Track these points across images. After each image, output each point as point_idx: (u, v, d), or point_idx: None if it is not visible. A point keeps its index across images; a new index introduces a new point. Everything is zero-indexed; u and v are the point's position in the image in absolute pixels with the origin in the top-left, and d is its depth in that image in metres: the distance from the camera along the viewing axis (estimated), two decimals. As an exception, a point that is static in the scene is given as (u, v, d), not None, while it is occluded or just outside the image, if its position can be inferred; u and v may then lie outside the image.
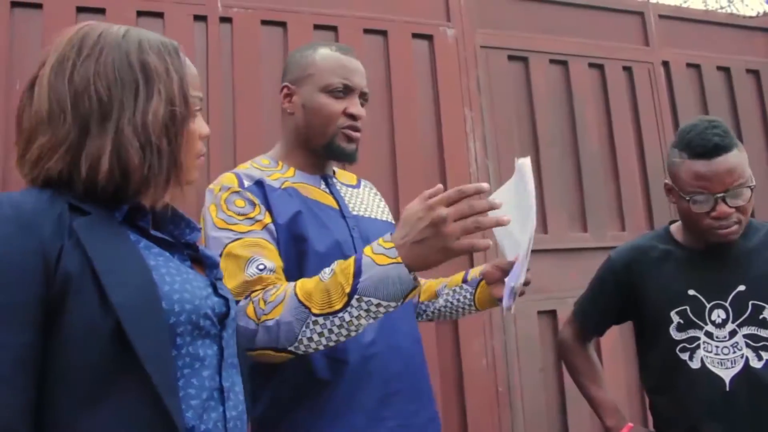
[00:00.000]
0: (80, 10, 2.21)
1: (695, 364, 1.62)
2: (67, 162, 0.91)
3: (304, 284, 1.25)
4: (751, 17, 3.76)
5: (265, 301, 1.27)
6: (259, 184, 1.46)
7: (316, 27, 2.57)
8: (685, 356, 1.63)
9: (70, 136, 0.91)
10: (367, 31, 2.65)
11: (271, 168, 1.55)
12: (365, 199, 1.64)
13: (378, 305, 1.19)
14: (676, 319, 1.65)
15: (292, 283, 1.28)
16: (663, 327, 1.65)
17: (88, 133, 0.92)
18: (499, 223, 1.15)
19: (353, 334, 1.24)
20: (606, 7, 3.21)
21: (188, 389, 0.92)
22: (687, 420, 1.62)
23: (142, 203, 0.98)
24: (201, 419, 0.92)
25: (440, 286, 1.73)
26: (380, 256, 1.18)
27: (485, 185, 1.16)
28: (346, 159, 1.56)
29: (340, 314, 1.20)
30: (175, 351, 0.91)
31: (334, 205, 1.54)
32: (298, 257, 1.42)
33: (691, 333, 1.63)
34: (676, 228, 1.76)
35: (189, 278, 0.97)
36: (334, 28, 2.60)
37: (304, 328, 1.22)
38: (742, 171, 1.53)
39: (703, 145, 1.52)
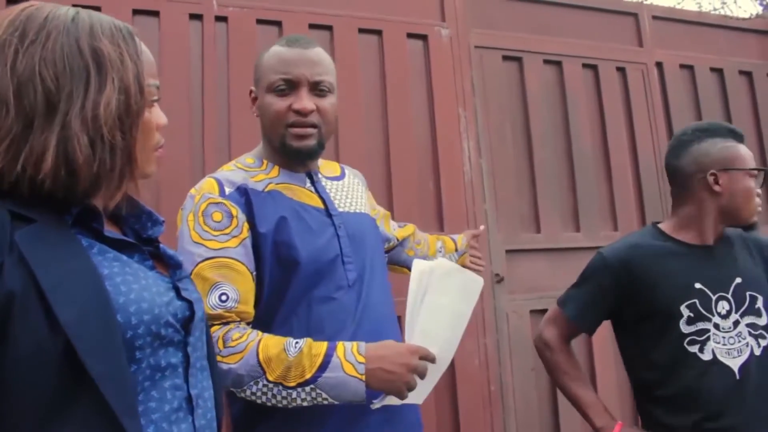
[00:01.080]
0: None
1: (707, 356, 1.66)
2: (8, 159, 0.81)
3: (267, 347, 1.29)
4: (744, 19, 3.78)
5: (224, 343, 1.31)
6: (241, 190, 1.44)
7: (311, 26, 2.57)
8: (694, 349, 1.67)
9: (13, 130, 0.81)
10: (362, 30, 2.65)
11: (255, 168, 1.52)
12: (350, 192, 1.61)
13: (325, 399, 1.29)
14: (686, 312, 1.68)
15: (255, 337, 1.31)
16: (672, 322, 1.69)
17: (32, 128, 0.82)
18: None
19: (289, 405, 1.30)
20: (600, 8, 3.23)
21: (149, 403, 0.86)
22: (699, 412, 1.65)
23: (93, 204, 0.89)
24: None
25: (438, 244, 1.89)
26: (349, 364, 1.27)
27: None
28: (301, 157, 1.51)
29: (290, 390, 1.28)
30: (134, 366, 0.84)
31: (320, 204, 1.51)
32: (284, 265, 1.41)
33: (701, 326, 1.67)
34: (666, 226, 1.81)
35: (148, 284, 0.89)
36: (329, 28, 2.60)
37: (252, 384, 1.29)
38: None
39: (739, 132, 1.79)
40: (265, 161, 1.55)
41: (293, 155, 1.50)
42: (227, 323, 1.34)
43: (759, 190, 1.74)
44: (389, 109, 2.63)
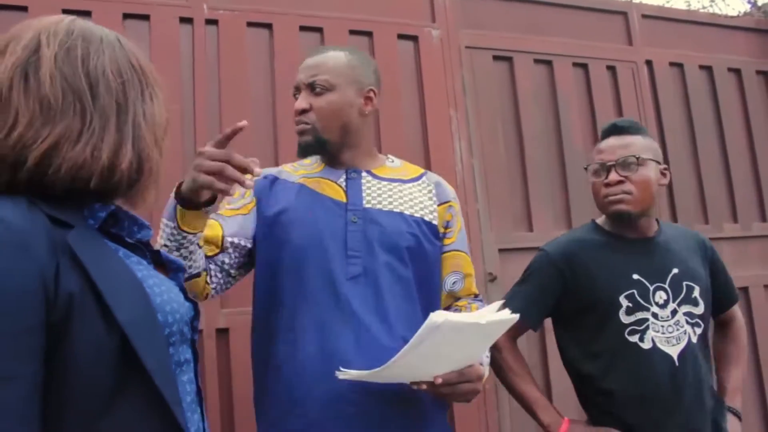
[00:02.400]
0: (65, 12, 2.21)
1: (646, 345, 1.74)
2: (89, 152, 0.88)
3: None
4: (732, 17, 3.81)
5: None
6: (270, 179, 1.65)
7: (302, 28, 2.58)
8: (635, 338, 1.74)
9: (93, 126, 0.89)
10: (352, 32, 2.66)
11: (306, 165, 1.70)
12: (401, 194, 1.65)
13: (165, 224, 1.40)
14: (624, 303, 1.76)
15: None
16: (611, 312, 1.76)
17: (107, 124, 0.90)
18: (239, 180, 1.27)
19: (172, 246, 1.41)
20: (589, 7, 3.24)
21: None
22: (642, 399, 1.72)
23: (117, 209, 0.96)
24: (191, 421, 0.95)
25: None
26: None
27: (242, 123, 1.36)
28: (300, 153, 1.63)
29: (159, 239, 1.43)
30: None
31: (342, 198, 1.59)
32: (277, 245, 1.55)
33: (639, 315, 1.75)
34: (603, 221, 1.90)
35: (171, 286, 0.97)
36: (319, 30, 2.61)
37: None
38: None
39: (615, 125, 1.88)
40: (318, 160, 1.70)
41: (298, 151, 1.63)
42: None
43: (611, 180, 1.77)
44: (380, 110, 2.63)
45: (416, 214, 1.63)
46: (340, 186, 1.62)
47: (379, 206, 1.60)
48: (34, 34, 0.91)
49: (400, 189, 1.65)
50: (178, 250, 1.40)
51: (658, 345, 1.73)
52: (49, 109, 0.87)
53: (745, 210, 3.35)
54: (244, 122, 1.35)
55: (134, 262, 0.95)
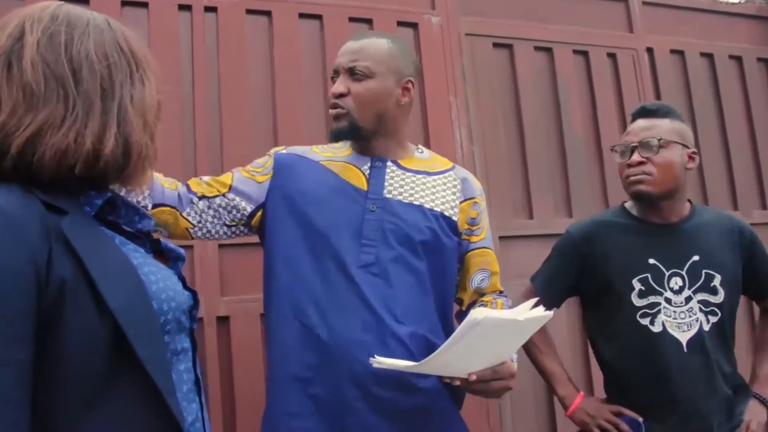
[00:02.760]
0: None
1: (656, 328, 1.78)
2: (72, 138, 0.87)
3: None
4: (733, 4, 3.78)
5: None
6: (293, 156, 1.67)
7: (302, 16, 2.56)
8: (646, 321, 1.79)
9: (76, 112, 0.88)
10: (352, 19, 2.65)
11: (335, 148, 1.70)
12: (424, 187, 1.65)
13: None
14: (637, 286, 1.80)
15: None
16: (625, 294, 1.80)
17: (91, 109, 0.89)
18: None
19: None
20: (590, -6, 3.23)
21: None
22: (653, 382, 1.77)
23: (114, 196, 0.96)
24: (187, 411, 0.94)
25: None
26: None
27: None
28: (332, 138, 1.64)
29: None
30: None
31: (363, 186, 1.60)
32: (295, 222, 1.57)
33: (652, 299, 1.79)
34: (630, 205, 1.93)
35: (167, 274, 0.97)
36: (319, 17, 2.60)
37: None
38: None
39: (641, 108, 1.92)
40: (348, 145, 1.69)
41: (330, 135, 1.64)
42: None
43: (632, 160, 1.81)
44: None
45: (436, 208, 1.63)
46: (364, 173, 1.62)
47: (399, 197, 1.60)
48: (18, 21, 0.91)
49: (424, 181, 1.66)
50: None
51: (668, 329, 1.77)
52: (32, 96, 0.87)
53: (745, 198, 3.34)
54: None
55: (131, 249, 0.94)
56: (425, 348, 1.47)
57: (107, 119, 0.90)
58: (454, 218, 1.65)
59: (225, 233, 1.64)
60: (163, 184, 1.55)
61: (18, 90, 0.87)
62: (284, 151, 1.68)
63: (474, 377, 1.35)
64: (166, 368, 0.87)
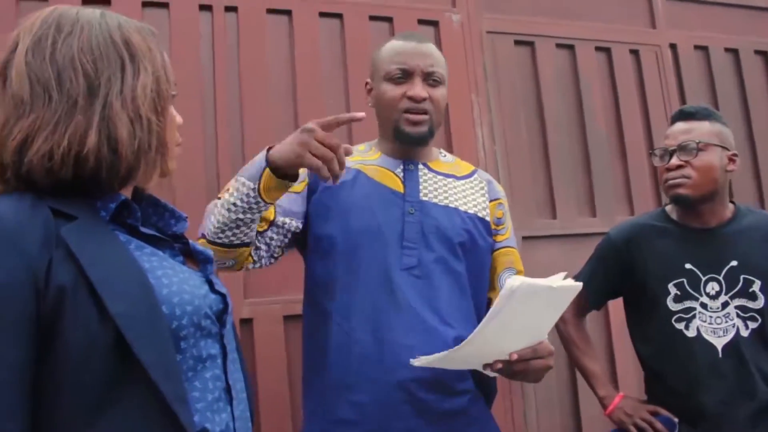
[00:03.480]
0: (85, 1, 2.20)
1: (691, 333, 1.77)
2: (55, 141, 0.85)
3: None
4: (758, -2, 3.72)
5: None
6: None
7: (322, 15, 2.55)
8: (680, 326, 1.78)
9: (58, 114, 0.86)
10: (372, 18, 2.63)
11: (361, 152, 1.68)
12: (456, 190, 1.66)
13: (243, 183, 1.37)
14: (673, 290, 1.80)
15: None
16: (661, 298, 1.80)
17: (74, 109, 0.87)
18: (337, 175, 1.30)
19: (231, 216, 1.39)
20: (612, -10, 3.19)
21: (192, 393, 0.89)
22: (686, 386, 1.77)
23: (130, 199, 0.94)
24: (212, 422, 0.90)
25: None
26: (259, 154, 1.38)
27: (360, 114, 1.34)
28: (413, 142, 1.62)
29: (225, 195, 1.41)
30: (179, 356, 0.88)
31: (399, 189, 1.60)
32: (332, 228, 1.55)
33: (687, 304, 1.78)
34: (671, 209, 1.91)
35: (186, 277, 0.94)
36: (339, 16, 2.58)
37: (212, 209, 1.44)
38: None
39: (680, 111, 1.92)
40: (374, 148, 1.70)
41: (406, 140, 1.61)
42: None
43: (671, 164, 1.80)
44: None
45: (470, 210, 1.64)
46: (398, 176, 1.62)
47: (435, 200, 1.61)
48: (16, 32, 0.92)
49: (455, 185, 1.67)
50: (244, 213, 1.39)
51: (703, 334, 1.77)
52: (22, 104, 0.87)
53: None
54: (362, 114, 1.34)
55: (146, 253, 0.92)
56: None
57: (91, 116, 0.87)
58: (487, 218, 1.67)
59: (280, 254, 1.63)
60: None
61: (9, 100, 0.88)
62: None
63: (516, 356, 1.34)
64: (175, 374, 0.84)
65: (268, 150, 1.37)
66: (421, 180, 1.63)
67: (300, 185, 1.58)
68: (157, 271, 0.90)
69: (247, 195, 1.37)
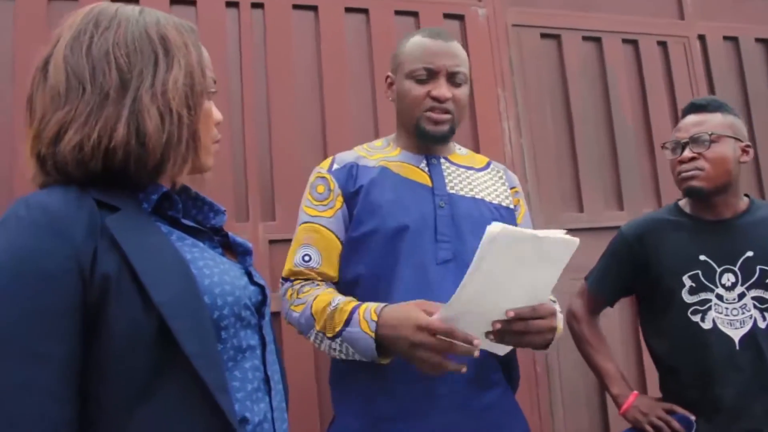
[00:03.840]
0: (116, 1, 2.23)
1: (707, 325, 1.75)
2: (86, 133, 0.87)
3: (319, 301, 1.47)
4: (789, -13, 3.66)
5: (297, 294, 1.53)
6: (348, 167, 1.62)
7: (347, 10, 2.56)
8: (696, 318, 1.77)
9: (90, 106, 0.88)
10: (398, 12, 2.63)
11: (380, 148, 1.69)
12: (479, 182, 1.67)
13: (353, 353, 1.42)
14: (688, 282, 1.79)
15: (318, 291, 1.51)
16: (676, 291, 1.79)
17: (106, 102, 0.89)
18: (468, 353, 1.28)
19: (337, 356, 1.47)
20: (639, -19, 3.15)
21: (233, 382, 0.91)
22: (701, 380, 1.75)
23: (170, 191, 0.96)
24: (251, 411, 0.92)
25: None
26: (364, 322, 1.38)
27: (476, 344, 1.27)
28: (434, 141, 1.62)
29: (329, 341, 1.44)
30: (220, 345, 0.90)
31: (427, 182, 1.60)
32: (364, 227, 1.55)
33: (703, 296, 1.77)
34: (684, 203, 1.91)
35: (226, 268, 0.95)
36: (365, 11, 2.59)
37: (309, 332, 1.49)
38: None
39: (692, 103, 1.91)
40: (392, 144, 1.70)
41: (427, 139, 1.62)
42: (306, 279, 1.55)
43: (684, 157, 1.80)
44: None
45: (494, 201, 1.65)
46: (423, 171, 1.63)
47: (461, 192, 1.62)
48: (59, 29, 0.95)
49: (476, 176, 1.68)
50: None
51: (719, 326, 1.75)
52: (58, 97, 0.89)
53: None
54: (477, 343, 1.28)
55: (188, 244, 0.94)
56: None
57: (121, 109, 0.88)
58: (511, 207, 1.68)
59: None
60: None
61: (47, 95, 0.90)
62: (337, 166, 1.64)
63: (512, 313, 1.29)
64: (217, 364, 0.85)
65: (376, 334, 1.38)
66: (445, 173, 1.64)
67: (338, 201, 1.60)
68: (199, 261, 0.91)
69: (353, 356, 1.45)
